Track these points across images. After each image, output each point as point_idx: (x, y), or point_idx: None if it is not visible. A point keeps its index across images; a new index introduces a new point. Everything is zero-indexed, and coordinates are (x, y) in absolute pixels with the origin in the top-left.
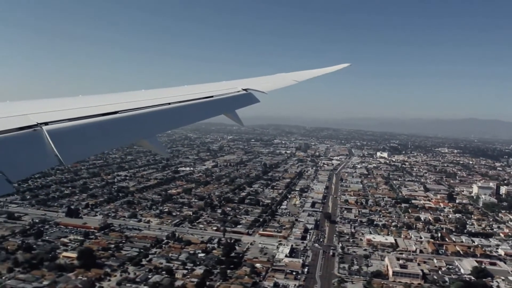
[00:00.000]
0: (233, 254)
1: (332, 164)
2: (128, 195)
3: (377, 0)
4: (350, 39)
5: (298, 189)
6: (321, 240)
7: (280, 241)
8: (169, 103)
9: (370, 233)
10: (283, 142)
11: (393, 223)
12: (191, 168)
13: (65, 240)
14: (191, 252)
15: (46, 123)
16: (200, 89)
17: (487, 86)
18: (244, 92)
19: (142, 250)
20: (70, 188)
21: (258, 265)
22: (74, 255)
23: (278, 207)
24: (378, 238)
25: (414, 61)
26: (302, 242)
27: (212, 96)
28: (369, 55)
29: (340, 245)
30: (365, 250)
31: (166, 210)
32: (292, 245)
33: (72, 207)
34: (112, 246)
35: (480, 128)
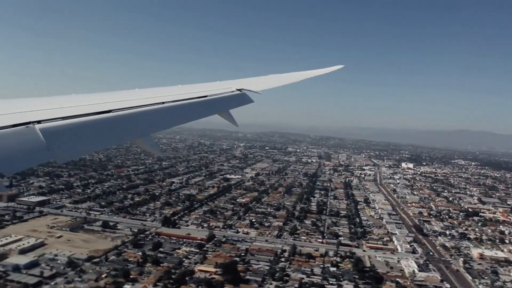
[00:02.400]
0: (362, 268)
1: (369, 175)
2: (204, 204)
3: (373, 10)
4: (342, 47)
5: (361, 200)
6: (430, 253)
7: (393, 253)
8: (163, 103)
9: (473, 247)
10: (298, 150)
11: (483, 237)
12: (238, 176)
13: (182, 251)
14: (321, 265)
15: (39, 122)
16: (194, 89)
17: (477, 98)
18: (238, 92)
19: (270, 264)
20: (135, 194)
21: (398, 280)
22: (211, 269)
23: (358, 218)
24: (487, 253)
25: (403, 71)
26: (413, 255)
27: (206, 96)
28: (360, 65)
29: (462, 259)
30: (480, 264)
31: (254, 220)
32: (411, 259)
33: (155, 215)
34: (238, 259)
35: (474, 140)
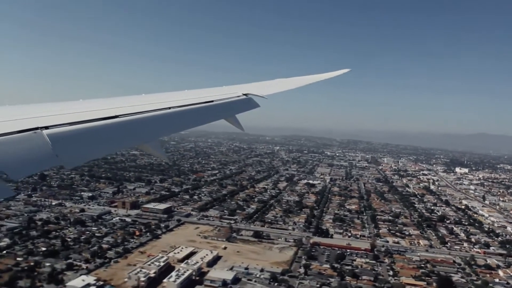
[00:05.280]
0: None
1: (437, 180)
2: (324, 212)
3: (385, 13)
4: (352, 49)
5: (461, 207)
6: None
7: None
8: (170, 108)
9: None
10: (337, 154)
11: None
12: (317, 181)
13: (361, 263)
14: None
15: (46, 127)
16: (200, 94)
17: (492, 102)
18: (244, 97)
19: (465, 277)
20: (244, 201)
21: None
22: (418, 282)
23: (482, 226)
24: None
25: (415, 74)
26: None
27: (212, 101)
28: (372, 68)
29: None
30: None
31: (389, 228)
32: None
33: (288, 224)
34: (425, 271)
35: (491, 144)
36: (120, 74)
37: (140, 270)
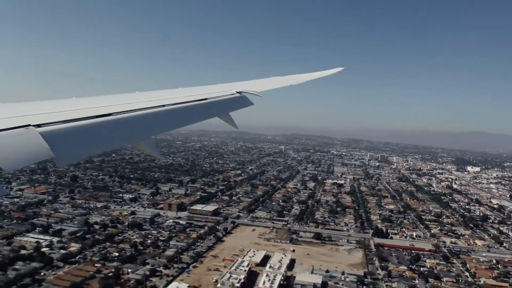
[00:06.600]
0: None
1: (455, 179)
2: (369, 213)
3: (382, 11)
4: (348, 47)
5: (493, 206)
6: None
7: None
8: (163, 105)
9: None
10: (343, 153)
11: None
12: (342, 181)
13: (431, 264)
14: None
15: (39, 125)
16: (194, 92)
17: (488, 100)
18: (239, 95)
19: None
20: (284, 202)
21: None
22: (495, 282)
23: None
24: None
25: (410, 73)
26: None
27: (206, 99)
28: (366, 67)
29: None
30: None
31: (440, 229)
32: None
33: (340, 225)
34: (500, 272)
35: (487, 142)
36: (113, 72)
37: (231, 276)
